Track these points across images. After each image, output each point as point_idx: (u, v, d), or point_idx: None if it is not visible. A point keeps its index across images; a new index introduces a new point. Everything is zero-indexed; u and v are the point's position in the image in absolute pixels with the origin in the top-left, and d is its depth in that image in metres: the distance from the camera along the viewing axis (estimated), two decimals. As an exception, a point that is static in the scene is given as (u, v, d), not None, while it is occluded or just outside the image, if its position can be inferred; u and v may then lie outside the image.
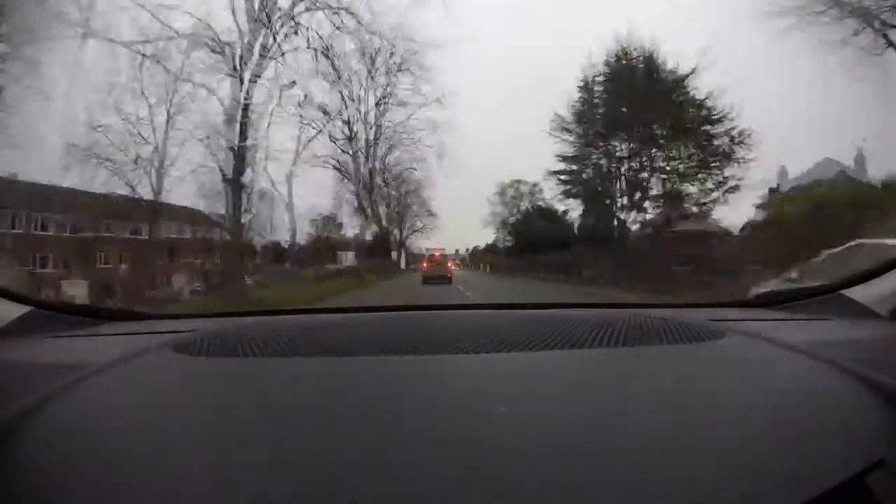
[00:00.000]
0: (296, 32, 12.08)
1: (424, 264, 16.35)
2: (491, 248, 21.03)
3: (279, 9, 11.77)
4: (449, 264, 16.06)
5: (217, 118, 11.27)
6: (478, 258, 22.77)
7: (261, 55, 11.49)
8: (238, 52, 11.17)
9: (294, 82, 12.25)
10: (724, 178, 12.81)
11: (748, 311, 1.25)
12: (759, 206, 12.72)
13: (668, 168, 13.64)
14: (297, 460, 0.45)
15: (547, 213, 17.17)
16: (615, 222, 14.36)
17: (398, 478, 0.42)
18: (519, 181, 18.31)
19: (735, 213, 13.05)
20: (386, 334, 0.93)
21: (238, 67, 11.16)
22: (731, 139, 12.67)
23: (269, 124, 11.62)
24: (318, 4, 12.31)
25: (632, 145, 13.98)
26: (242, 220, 11.43)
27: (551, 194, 16.22)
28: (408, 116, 15.23)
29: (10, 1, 9.59)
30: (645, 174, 13.98)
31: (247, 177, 11.29)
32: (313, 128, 13.31)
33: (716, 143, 12.89)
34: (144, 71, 10.78)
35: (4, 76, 9.44)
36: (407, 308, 1.38)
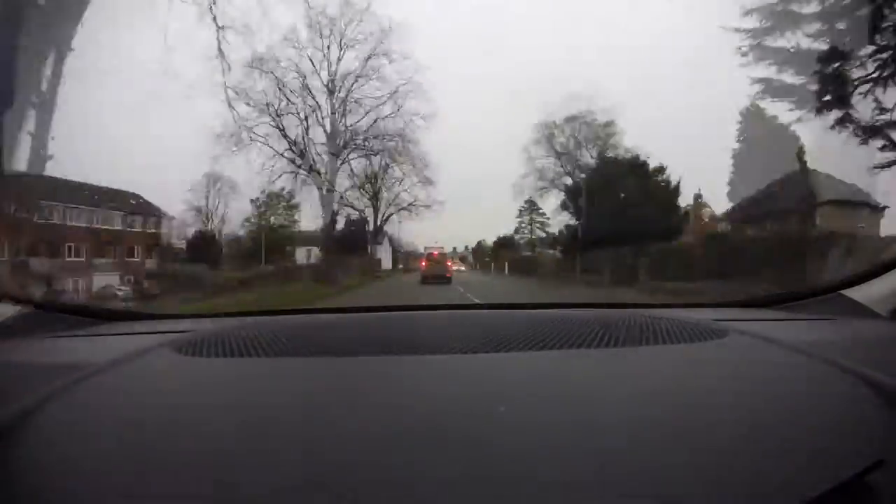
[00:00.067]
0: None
1: (423, 263, 14.66)
2: (504, 242, 17.89)
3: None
4: (449, 263, 15.33)
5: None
6: (482, 255, 20.06)
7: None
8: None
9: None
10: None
11: (749, 311, 1.25)
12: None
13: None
14: (297, 460, 0.45)
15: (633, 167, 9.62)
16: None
17: (398, 477, 0.42)
18: (577, 117, 10.40)
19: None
20: (386, 334, 0.93)
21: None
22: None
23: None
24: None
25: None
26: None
27: (638, 133, 9.63)
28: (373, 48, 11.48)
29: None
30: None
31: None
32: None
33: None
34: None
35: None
36: (407, 308, 1.38)
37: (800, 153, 10.76)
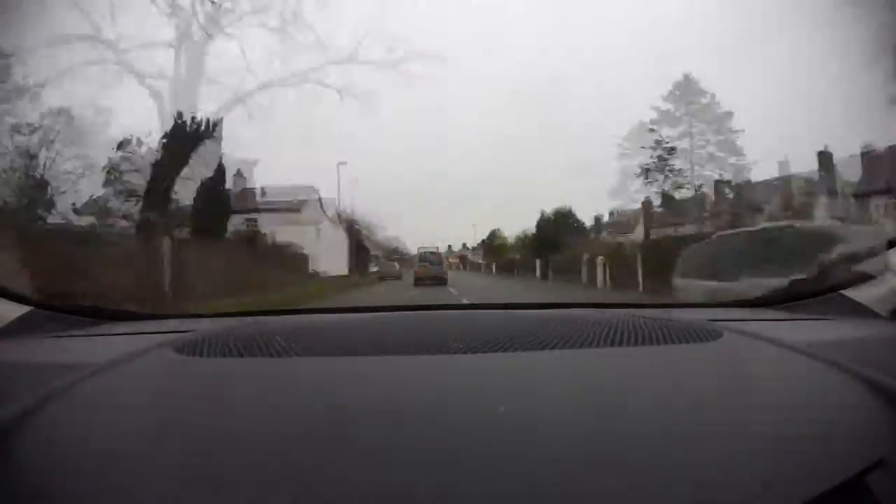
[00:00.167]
0: None
1: (416, 271, 14.16)
2: (536, 241, 15.42)
3: None
4: (452, 260, 15.10)
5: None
6: (493, 252, 17.33)
7: None
8: None
9: None
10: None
11: (748, 310, 1.25)
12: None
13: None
14: (297, 460, 0.45)
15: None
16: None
17: (398, 478, 0.42)
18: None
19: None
20: (386, 334, 0.93)
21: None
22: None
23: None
24: None
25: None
26: None
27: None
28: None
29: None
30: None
31: None
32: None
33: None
34: None
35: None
36: (407, 308, 1.38)
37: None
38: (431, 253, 15.52)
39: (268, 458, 0.45)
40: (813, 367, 0.66)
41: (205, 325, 1.09)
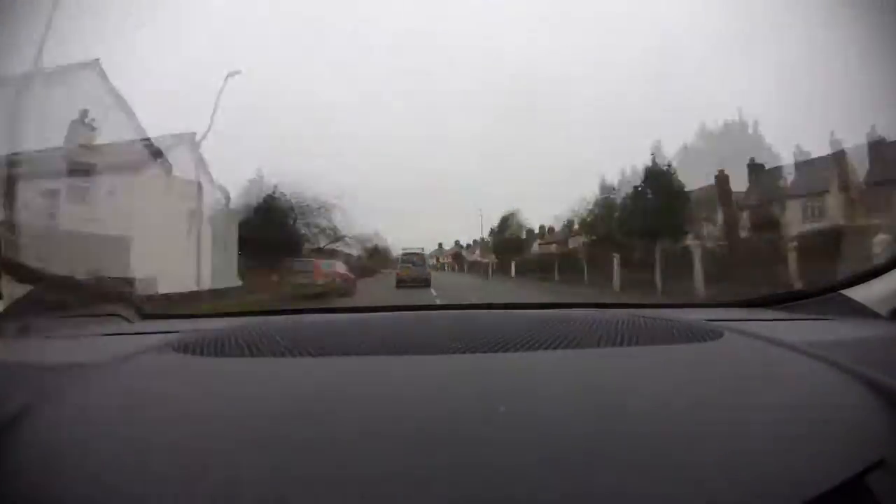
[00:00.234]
0: None
1: (398, 273, 13.92)
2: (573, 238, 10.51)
3: None
4: (444, 259, 14.91)
5: None
6: (490, 250, 16.05)
7: None
8: None
9: None
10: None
11: (748, 311, 1.26)
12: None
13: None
14: (298, 460, 0.45)
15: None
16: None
17: (398, 478, 0.42)
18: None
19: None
20: (386, 334, 0.93)
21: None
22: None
23: None
24: None
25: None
26: None
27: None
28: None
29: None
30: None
31: None
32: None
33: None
34: None
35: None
36: (406, 308, 1.38)
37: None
38: (415, 254, 15.18)
39: (269, 457, 0.45)
40: (813, 367, 0.66)
41: (205, 325, 1.09)
